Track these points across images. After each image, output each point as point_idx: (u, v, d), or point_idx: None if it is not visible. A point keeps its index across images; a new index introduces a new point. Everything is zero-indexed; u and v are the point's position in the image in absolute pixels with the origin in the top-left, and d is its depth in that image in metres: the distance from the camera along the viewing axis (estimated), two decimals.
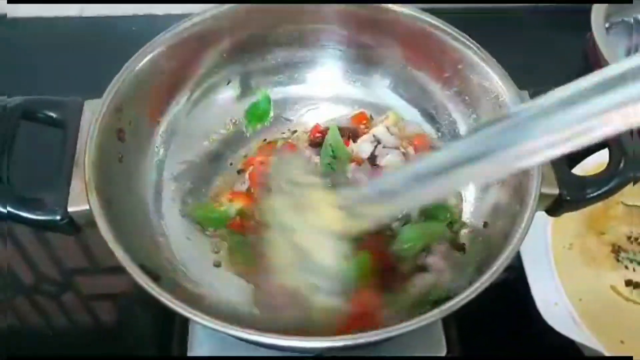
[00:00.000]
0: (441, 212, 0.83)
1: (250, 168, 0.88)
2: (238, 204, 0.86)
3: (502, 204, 0.78)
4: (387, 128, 0.89)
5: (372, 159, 0.87)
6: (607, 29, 1.17)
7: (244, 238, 0.83)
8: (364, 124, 0.93)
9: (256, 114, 0.94)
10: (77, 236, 0.95)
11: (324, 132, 0.90)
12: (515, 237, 0.67)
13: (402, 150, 0.88)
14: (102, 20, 1.28)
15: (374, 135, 0.88)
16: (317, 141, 0.90)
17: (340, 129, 0.89)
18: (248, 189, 0.87)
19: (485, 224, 0.79)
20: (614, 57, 1.08)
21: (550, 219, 0.87)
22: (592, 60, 1.17)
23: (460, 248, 0.82)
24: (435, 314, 0.61)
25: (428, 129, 0.92)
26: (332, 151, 0.87)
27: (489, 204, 0.81)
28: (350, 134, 0.90)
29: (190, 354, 0.83)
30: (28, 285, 0.95)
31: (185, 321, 0.85)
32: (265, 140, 0.94)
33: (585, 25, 1.14)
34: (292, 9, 0.88)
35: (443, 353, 0.86)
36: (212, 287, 0.79)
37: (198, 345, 0.83)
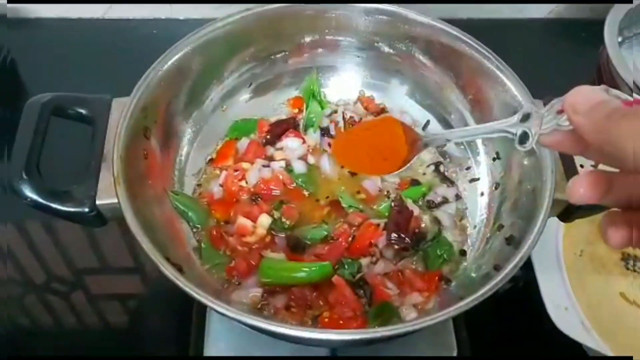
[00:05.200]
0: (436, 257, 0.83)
1: (224, 174, 0.88)
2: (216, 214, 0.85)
3: (517, 208, 0.79)
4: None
5: None
6: (620, 42, 1.17)
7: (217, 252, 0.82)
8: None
9: (244, 129, 0.94)
10: (88, 237, 0.99)
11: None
12: (528, 239, 0.68)
13: None
14: (124, 23, 1.31)
15: None
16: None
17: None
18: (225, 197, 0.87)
19: (500, 227, 0.80)
20: (627, 71, 1.08)
21: (562, 226, 0.88)
22: (605, 73, 1.17)
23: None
24: (449, 312, 0.63)
25: None
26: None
27: (506, 208, 0.82)
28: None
29: (206, 353, 0.85)
30: (39, 284, 0.96)
31: (201, 323, 0.87)
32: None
33: (601, 37, 1.13)
34: (314, 15, 0.91)
35: (454, 353, 0.87)
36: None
37: (214, 344, 0.85)
